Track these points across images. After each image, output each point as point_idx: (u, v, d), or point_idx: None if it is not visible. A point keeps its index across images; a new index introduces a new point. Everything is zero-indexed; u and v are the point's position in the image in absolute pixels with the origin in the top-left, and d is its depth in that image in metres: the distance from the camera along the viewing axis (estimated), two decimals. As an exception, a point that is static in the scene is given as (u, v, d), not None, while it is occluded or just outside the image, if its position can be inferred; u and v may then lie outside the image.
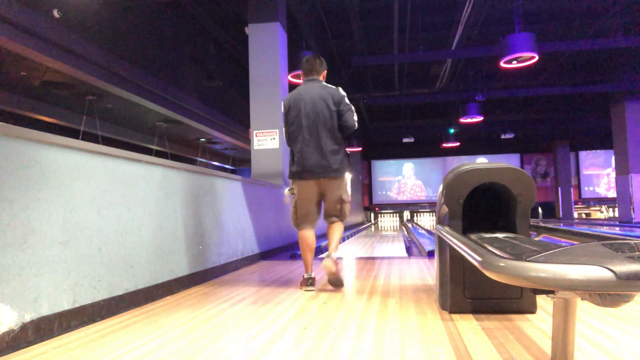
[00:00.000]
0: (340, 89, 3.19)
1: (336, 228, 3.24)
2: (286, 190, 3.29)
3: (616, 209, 14.19)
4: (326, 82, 3.29)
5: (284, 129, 3.29)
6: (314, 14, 8.11)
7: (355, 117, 3.14)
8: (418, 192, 20.59)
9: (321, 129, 3.08)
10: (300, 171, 3.12)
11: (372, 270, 3.99)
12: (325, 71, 3.31)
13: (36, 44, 5.88)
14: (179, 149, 15.66)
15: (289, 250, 5.88)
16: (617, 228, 10.58)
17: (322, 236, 8.68)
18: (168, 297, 2.88)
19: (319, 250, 6.35)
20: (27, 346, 1.84)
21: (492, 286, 2.23)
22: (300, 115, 3.12)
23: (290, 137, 3.20)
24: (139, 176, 2.75)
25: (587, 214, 19.39)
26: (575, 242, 1.38)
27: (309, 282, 3.07)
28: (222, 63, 10.00)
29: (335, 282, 3.06)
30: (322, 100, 3.09)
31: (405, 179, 20.79)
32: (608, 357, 1.63)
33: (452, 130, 16.08)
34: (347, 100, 3.15)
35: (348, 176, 3.62)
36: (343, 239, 8.95)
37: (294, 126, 3.15)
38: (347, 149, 14.10)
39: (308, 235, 3.20)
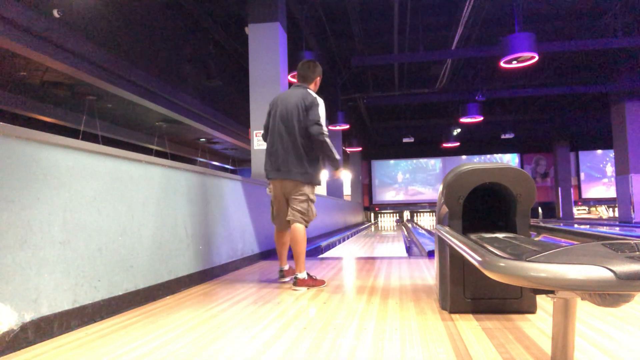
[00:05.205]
0: (319, 98, 3.24)
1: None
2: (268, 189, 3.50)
3: (616, 209, 14.19)
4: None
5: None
6: (314, 14, 8.11)
7: (321, 130, 3.13)
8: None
9: (288, 135, 3.21)
10: (267, 170, 3.35)
11: (372, 270, 3.99)
12: (319, 77, 3.43)
13: (36, 44, 5.88)
14: (179, 149, 15.66)
15: (288, 250, 5.87)
16: (617, 228, 10.58)
17: (323, 235, 8.67)
18: (168, 297, 2.88)
19: (319, 250, 6.35)
20: (27, 346, 1.84)
21: (492, 286, 2.23)
22: (275, 117, 3.30)
23: (265, 135, 3.45)
24: (139, 176, 2.75)
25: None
26: (575, 242, 1.38)
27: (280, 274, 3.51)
28: (222, 63, 10.00)
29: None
30: (296, 107, 3.20)
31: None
32: (608, 357, 1.63)
33: (455, 132, 16.05)
34: (316, 110, 3.16)
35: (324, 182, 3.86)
36: (343, 239, 8.95)
37: (270, 126, 3.38)
38: (347, 149, 13.91)
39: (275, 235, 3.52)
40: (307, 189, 3.25)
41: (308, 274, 3.25)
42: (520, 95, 12.81)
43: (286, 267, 3.51)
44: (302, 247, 3.23)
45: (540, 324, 2.08)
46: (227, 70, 10.45)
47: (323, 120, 3.18)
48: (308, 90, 3.29)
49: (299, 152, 3.18)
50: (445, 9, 8.26)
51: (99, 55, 6.88)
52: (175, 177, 3.18)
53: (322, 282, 3.26)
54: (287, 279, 3.43)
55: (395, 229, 15.06)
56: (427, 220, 19.95)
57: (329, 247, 7.06)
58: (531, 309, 2.26)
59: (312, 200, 3.30)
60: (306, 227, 3.30)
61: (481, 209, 2.50)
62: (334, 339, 1.93)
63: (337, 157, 3.28)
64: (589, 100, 14.28)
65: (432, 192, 20.39)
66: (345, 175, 18.15)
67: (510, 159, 20.13)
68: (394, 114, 15.97)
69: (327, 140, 3.18)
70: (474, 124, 13.01)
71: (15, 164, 1.88)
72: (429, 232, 11.24)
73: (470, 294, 2.27)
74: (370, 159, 20.83)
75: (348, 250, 7.04)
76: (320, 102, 3.22)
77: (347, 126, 11.38)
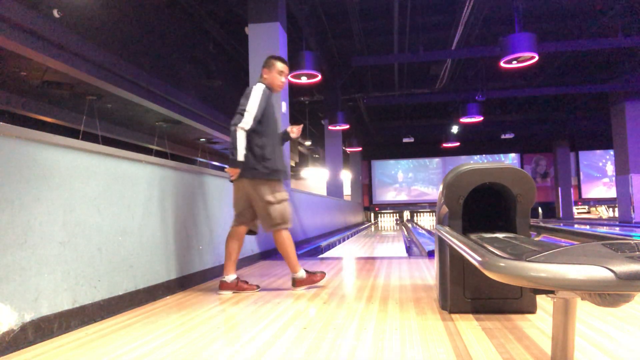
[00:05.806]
0: (256, 87, 2.99)
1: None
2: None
3: (616, 209, 14.19)
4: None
5: None
6: (314, 14, 8.11)
7: (236, 121, 2.87)
8: None
9: None
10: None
11: (372, 270, 3.99)
12: (266, 69, 3.13)
13: (36, 44, 5.88)
14: (179, 149, 15.65)
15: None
16: (617, 228, 10.58)
17: (323, 235, 8.65)
18: (168, 297, 2.88)
19: (319, 250, 6.35)
20: (27, 346, 1.84)
21: (492, 286, 2.23)
22: None
23: None
24: (138, 176, 2.75)
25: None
26: (575, 242, 1.38)
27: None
28: (222, 63, 10.00)
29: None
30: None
31: None
32: (608, 357, 1.63)
33: (454, 130, 16.02)
34: (245, 100, 2.91)
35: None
36: (343, 239, 8.95)
37: None
38: (347, 149, 13.81)
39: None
40: (263, 189, 2.97)
41: (306, 270, 3.14)
42: (520, 95, 12.81)
43: (229, 278, 3.02)
44: (288, 249, 3.05)
45: (540, 324, 2.08)
46: (227, 70, 10.45)
47: (252, 109, 2.89)
48: (256, 84, 3.05)
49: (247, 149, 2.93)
50: (445, 9, 8.26)
51: (99, 55, 6.88)
52: (175, 177, 3.18)
53: (322, 276, 3.17)
54: (222, 292, 3.01)
55: (395, 229, 15.06)
56: (427, 220, 19.95)
57: (329, 247, 7.06)
58: (531, 309, 2.26)
59: (271, 202, 2.97)
60: (284, 228, 3.05)
61: (481, 209, 2.50)
62: (334, 339, 1.93)
63: (238, 157, 2.85)
64: (589, 100, 14.29)
65: (436, 192, 20.36)
66: (346, 175, 18.15)
67: (516, 159, 20.12)
68: (393, 114, 15.97)
69: (239, 133, 2.85)
70: (474, 124, 13.01)
71: (15, 164, 1.88)
72: (429, 232, 11.24)
73: (470, 293, 2.27)
74: (370, 159, 20.85)
75: (348, 250, 7.04)
76: (255, 91, 2.94)
77: (347, 126, 11.37)
